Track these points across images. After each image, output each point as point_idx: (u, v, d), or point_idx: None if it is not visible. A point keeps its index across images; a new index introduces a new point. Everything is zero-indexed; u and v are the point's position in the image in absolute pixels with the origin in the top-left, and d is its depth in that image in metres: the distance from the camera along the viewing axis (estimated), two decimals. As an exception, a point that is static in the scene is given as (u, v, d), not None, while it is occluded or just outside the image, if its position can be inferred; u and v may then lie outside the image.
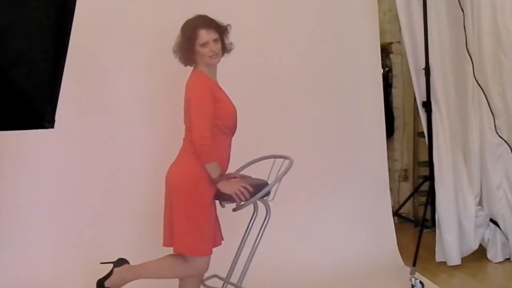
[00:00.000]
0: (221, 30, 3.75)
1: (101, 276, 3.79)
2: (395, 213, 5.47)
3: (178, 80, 3.83)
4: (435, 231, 5.18)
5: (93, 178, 4.72)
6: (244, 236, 4.00)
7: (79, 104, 4.55)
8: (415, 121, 6.51)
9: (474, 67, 5.01)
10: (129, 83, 4.73)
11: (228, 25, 3.78)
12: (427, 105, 4.99)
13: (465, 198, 5.10)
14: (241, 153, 3.98)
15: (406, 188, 6.62)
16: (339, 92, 5.19)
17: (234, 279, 3.93)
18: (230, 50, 3.85)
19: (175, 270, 3.78)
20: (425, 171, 5.93)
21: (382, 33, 5.69)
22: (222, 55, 3.78)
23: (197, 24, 3.67)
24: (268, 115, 5.01)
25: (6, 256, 4.55)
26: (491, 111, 5.05)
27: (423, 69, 4.96)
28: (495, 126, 5.06)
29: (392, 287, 4.66)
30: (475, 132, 5.11)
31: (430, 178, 5.04)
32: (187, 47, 3.69)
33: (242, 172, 4.05)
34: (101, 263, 3.85)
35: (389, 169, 5.48)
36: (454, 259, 5.01)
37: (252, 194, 3.66)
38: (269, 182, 3.78)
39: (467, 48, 5.00)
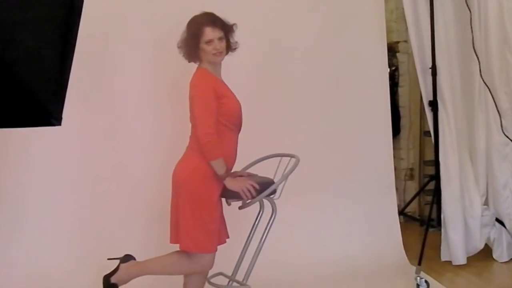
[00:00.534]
0: (227, 29, 3.75)
1: (107, 272, 3.81)
2: (401, 212, 5.47)
3: (183, 78, 3.84)
4: (440, 230, 5.16)
5: (99, 174, 4.74)
6: (250, 234, 4.01)
7: (84, 102, 4.55)
8: (422, 120, 6.50)
9: (481, 67, 5.00)
10: (135, 80, 4.75)
11: (234, 24, 3.79)
12: (433, 104, 4.99)
13: (471, 198, 5.09)
14: (247, 152, 3.99)
15: (412, 187, 6.62)
16: (346, 91, 5.20)
17: (239, 277, 3.94)
18: (235, 49, 3.85)
19: (180, 267, 3.79)
20: (431, 170, 5.93)
21: (388, 32, 5.69)
22: (227, 53, 3.79)
23: (202, 22, 3.68)
24: (275, 114, 5.01)
25: (12, 253, 4.57)
26: (498, 110, 5.05)
27: (430, 68, 4.96)
28: (501, 125, 5.06)
29: (397, 286, 4.67)
30: (482, 132, 5.11)
31: (436, 177, 5.04)
32: (191, 43, 3.70)
33: (248, 170, 4.05)
34: (108, 259, 3.86)
35: (395, 168, 5.48)
36: (460, 258, 5.00)
37: (259, 192, 3.67)
38: (275, 180, 3.78)
39: (473, 48, 5.00)
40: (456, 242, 5.00)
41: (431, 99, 5.00)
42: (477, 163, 5.15)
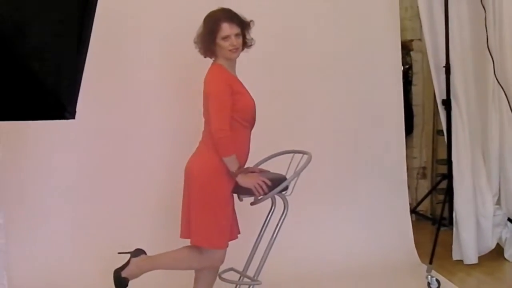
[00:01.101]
0: (244, 25, 3.76)
1: (118, 266, 3.83)
2: (413, 211, 5.47)
3: (197, 73, 3.86)
4: (452, 229, 5.14)
5: (111, 169, 4.77)
6: (261, 230, 4.02)
7: (96, 97, 4.56)
8: (435, 119, 6.48)
9: (495, 66, 4.98)
10: (148, 75, 4.77)
11: (251, 21, 3.79)
12: (446, 103, 4.98)
13: (483, 197, 5.08)
14: (259, 148, 4.01)
15: (424, 185, 6.60)
16: (359, 88, 5.20)
17: (250, 272, 3.95)
18: (251, 45, 3.86)
19: (191, 262, 3.81)
20: (443, 169, 5.91)
21: (402, 30, 5.68)
22: (242, 50, 3.80)
23: (220, 17, 3.68)
24: (287, 111, 5.02)
25: (24, 246, 4.61)
26: (511, 110, 5.03)
27: (444, 67, 4.95)
28: (515, 125, 5.05)
29: (408, 284, 4.68)
30: (495, 131, 5.09)
31: (449, 176, 5.03)
32: (208, 39, 3.71)
33: (260, 167, 4.06)
34: (119, 253, 3.88)
35: (408, 167, 5.46)
36: (471, 257, 4.99)
37: (271, 188, 3.68)
38: (287, 177, 3.79)
39: (488, 46, 4.97)
40: (468, 241, 4.99)
41: (445, 97, 4.98)
42: (490, 163, 5.13)
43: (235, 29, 3.69)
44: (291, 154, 3.99)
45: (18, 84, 1.94)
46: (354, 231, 5.11)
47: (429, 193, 5.78)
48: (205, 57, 3.80)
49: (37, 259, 4.61)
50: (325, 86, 5.12)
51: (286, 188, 3.77)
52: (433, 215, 6.41)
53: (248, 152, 3.83)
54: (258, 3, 4.71)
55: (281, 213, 3.83)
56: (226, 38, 3.67)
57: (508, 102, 5.02)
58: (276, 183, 3.71)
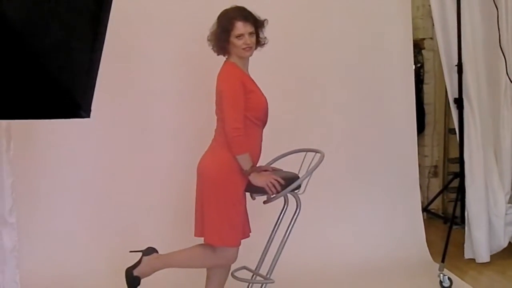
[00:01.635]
0: (258, 24, 3.76)
1: (130, 265, 3.84)
2: (424, 209, 5.47)
3: (210, 71, 3.87)
4: (464, 228, 5.15)
5: (122, 168, 4.80)
6: (274, 229, 4.03)
7: (111, 96, 4.58)
8: (446, 118, 6.47)
9: (507, 65, 4.98)
10: (161, 73, 4.80)
11: (265, 19, 3.80)
12: (459, 101, 4.97)
13: (495, 196, 5.08)
14: (272, 146, 4.02)
15: (436, 184, 6.61)
16: (371, 87, 5.20)
17: (263, 271, 3.96)
18: (264, 44, 3.86)
19: (203, 260, 3.82)
20: (455, 168, 5.91)
21: (414, 28, 5.67)
22: (256, 48, 3.81)
23: (234, 16, 3.69)
24: (300, 110, 5.03)
25: (36, 245, 4.64)
26: (523, 108, 5.03)
27: (456, 65, 4.94)
28: (527, 124, 5.05)
29: (420, 282, 4.68)
30: (507, 130, 5.09)
31: (461, 175, 5.03)
32: (222, 37, 3.71)
33: (272, 165, 4.07)
34: (130, 251, 3.90)
35: (419, 165, 5.46)
36: (483, 256, 4.99)
37: (284, 187, 3.68)
38: (300, 175, 3.80)
39: (500, 45, 4.97)
40: (480, 240, 4.99)
41: (457, 96, 4.98)
42: (502, 161, 5.13)
43: (249, 28, 3.70)
44: (303, 153, 4.00)
45: (34, 83, 1.95)
46: (366, 230, 5.12)
47: (441, 191, 5.79)
48: (218, 55, 3.81)
49: (48, 258, 4.64)
50: (337, 85, 5.13)
51: (298, 187, 3.78)
52: (445, 214, 6.41)
53: (261, 151, 3.84)
54: (270, 2, 4.71)
55: (293, 211, 3.84)
56: (240, 36, 3.67)
57: (520, 101, 5.02)
58: (289, 181, 3.71)
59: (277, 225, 4.01)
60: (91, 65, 2.07)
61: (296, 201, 3.83)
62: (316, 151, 3.90)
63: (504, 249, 5.13)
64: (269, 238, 4.04)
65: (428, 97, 6.58)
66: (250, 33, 3.70)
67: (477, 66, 5.05)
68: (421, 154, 6.29)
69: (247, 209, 3.84)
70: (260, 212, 3.93)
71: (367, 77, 5.19)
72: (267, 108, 3.82)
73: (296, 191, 3.79)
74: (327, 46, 5.10)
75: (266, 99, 3.80)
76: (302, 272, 4.69)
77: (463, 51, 4.92)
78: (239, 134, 3.58)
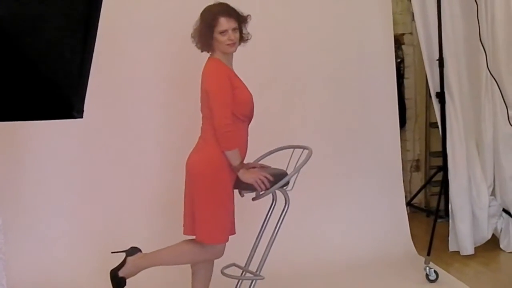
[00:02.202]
0: (241, 20, 3.78)
1: (113, 266, 3.84)
2: (408, 203, 5.51)
3: (195, 69, 3.88)
4: (448, 221, 5.20)
5: (109, 168, 4.79)
6: (262, 225, 4.04)
7: (96, 94, 4.54)
8: (427, 112, 6.53)
9: (488, 58, 5.03)
10: (145, 72, 4.78)
11: (248, 15, 3.82)
12: (440, 96, 5.01)
13: (478, 188, 5.13)
14: (258, 143, 4.03)
15: (418, 178, 6.66)
16: (354, 83, 5.23)
17: (252, 268, 3.98)
18: (247, 40, 3.88)
19: (191, 256, 3.82)
20: (437, 162, 5.98)
21: (394, 24, 5.68)
22: (239, 44, 3.82)
23: (218, 11, 3.70)
24: (283, 106, 5.05)
25: (22, 247, 4.60)
26: (504, 101, 5.08)
27: (437, 60, 4.99)
28: (508, 117, 5.09)
29: (406, 276, 4.71)
30: (489, 123, 5.15)
31: (444, 168, 5.07)
32: (205, 33, 3.72)
33: (260, 162, 4.09)
34: (112, 252, 3.89)
35: (401, 160, 5.51)
36: (468, 248, 5.04)
37: (272, 184, 3.70)
38: (288, 172, 3.82)
39: (480, 39, 5.02)
40: (464, 233, 5.04)
41: (439, 90, 5.02)
42: (484, 154, 5.19)
43: (233, 23, 3.71)
44: (291, 149, 4.03)
45: (26, 85, 1.95)
46: (351, 225, 5.15)
47: (425, 185, 5.85)
48: (202, 51, 3.82)
49: (35, 260, 4.60)
50: (320, 82, 5.15)
51: (287, 183, 3.80)
52: (428, 208, 6.47)
53: (247, 147, 3.85)
54: (256, 2, 4.71)
55: (282, 208, 3.86)
56: (223, 32, 3.68)
57: (501, 94, 5.07)
58: (278, 178, 3.73)
59: (266, 221, 4.03)
60: (83, 66, 2.06)
61: (285, 198, 3.85)
62: (303, 148, 3.92)
63: (488, 241, 5.18)
64: (258, 234, 4.06)
65: (408, 92, 6.63)
66: (234, 29, 3.71)
67: (458, 60, 5.09)
68: (402, 149, 6.33)
69: (236, 206, 3.85)
70: (248, 209, 3.95)
71: (350, 73, 5.21)
72: (253, 103, 3.83)
73: (284, 187, 3.81)
74: (310, 42, 5.11)
75: (251, 95, 3.81)
76: (289, 267, 4.71)
77: (444, 46, 4.96)
78: (228, 130, 3.60)
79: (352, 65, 5.22)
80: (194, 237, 3.74)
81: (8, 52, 1.88)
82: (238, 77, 3.80)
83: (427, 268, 4.59)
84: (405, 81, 6.60)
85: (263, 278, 3.83)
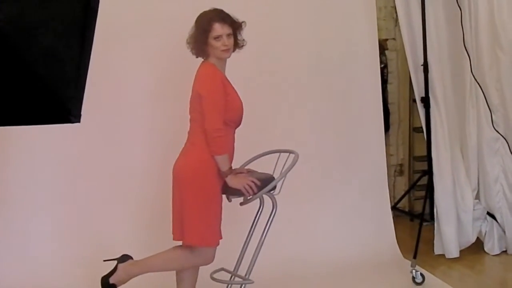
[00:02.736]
0: (235, 26, 3.80)
1: (104, 273, 3.83)
2: (392, 207, 5.53)
3: (185, 72, 3.91)
4: (432, 224, 5.25)
5: (97, 172, 4.77)
6: (250, 230, 4.06)
7: (84, 97, 4.56)
8: (411, 117, 6.58)
9: (472, 63, 5.09)
10: (134, 76, 4.77)
11: (243, 22, 3.84)
12: (425, 100, 5.05)
13: (463, 192, 5.17)
14: (244, 148, 4.03)
15: (402, 182, 6.70)
16: (339, 88, 5.25)
17: (241, 272, 3.99)
18: (242, 46, 3.90)
19: (182, 262, 3.82)
20: (420, 166, 6.03)
21: (377, 29, 5.74)
22: (234, 50, 3.84)
23: (212, 17, 3.72)
24: (269, 111, 5.06)
25: (9, 252, 4.59)
26: (488, 106, 5.13)
27: (422, 65, 5.03)
28: (492, 121, 5.15)
29: (392, 279, 4.75)
30: (473, 127, 5.20)
31: (429, 172, 5.11)
32: (200, 39, 3.74)
33: (246, 167, 4.10)
34: (104, 260, 3.87)
35: (386, 164, 5.55)
36: (453, 251, 5.09)
37: (260, 188, 3.73)
38: (274, 176, 3.84)
39: (464, 45, 5.08)
40: (449, 236, 5.09)
41: (423, 95, 5.07)
42: (469, 158, 5.23)
43: (227, 29, 3.73)
44: (277, 154, 4.05)
45: (24, 90, 1.96)
46: (336, 229, 5.16)
47: (410, 189, 5.89)
48: (197, 57, 3.84)
49: (20, 265, 4.58)
50: (305, 86, 5.17)
51: (274, 188, 3.82)
52: (411, 211, 6.51)
53: (233, 152, 3.87)
54: (243, 6, 4.71)
55: (269, 212, 3.89)
56: (218, 38, 3.70)
57: (485, 99, 5.13)
58: (265, 182, 3.76)
59: (254, 226, 4.04)
60: (80, 71, 2.09)
61: (272, 202, 3.88)
62: (290, 152, 3.95)
63: (473, 244, 5.22)
64: (246, 239, 4.07)
65: (392, 97, 6.67)
66: (228, 35, 3.74)
67: (443, 65, 5.14)
68: (386, 153, 6.34)
69: (223, 210, 3.84)
70: (235, 214, 3.96)
71: (336, 78, 5.23)
72: (242, 110, 3.85)
73: (271, 192, 3.83)
74: (295, 48, 5.12)
75: (241, 102, 3.84)
76: (274, 271, 4.67)
77: (428, 51, 5.01)
78: (220, 134, 3.62)
79: (337, 69, 5.24)
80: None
81: (6, 57, 1.90)
82: (230, 83, 3.82)
83: (414, 271, 4.63)
84: (389, 86, 6.64)
85: (253, 282, 3.84)
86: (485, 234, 5.26)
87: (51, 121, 2.13)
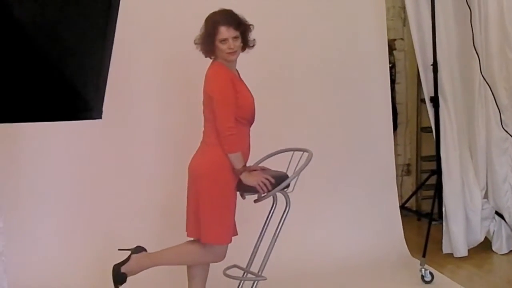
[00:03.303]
0: (242, 28, 3.80)
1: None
2: (400, 207, 5.56)
3: (197, 71, 3.93)
4: (440, 224, 5.28)
5: (110, 168, 4.79)
6: (263, 227, 4.09)
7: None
8: (418, 117, 6.59)
9: (481, 64, 5.10)
10: (146, 73, 4.80)
11: (251, 24, 3.85)
12: (434, 100, 5.08)
13: (471, 191, 5.20)
14: (258, 146, 4.07)
15: (409, 182, 6.71)
16: (349, 87, 5.27)
17: (253, 268, 4.03)
18: (253, 46, 3.92)
19: (194, 257, 3.88)
20: (428, 166, 6.05)
21: (386, 29, 5.77)
22: (243, 50, 3.86)
23: (218, 20, 3.73)
24: (281, 110, 5.08)
25: (22, 249, 4.60)
26: (497, 106, 5.15)
27: (431, 65, 5.05)
28: (501, 121, 5.17)
29: (402, 278, 4.78)
30: (482, 127, 5.22)
31: (438, 172, 5.14)
32: (207, 41, 3.77)
33: (260, 165, 4.13)
34: (119, 249, 3.91)
35: (393, 163, 5.58)
36: (461, 250, 5.11)
37: (274, 186, 3.76)
38: (288, 174, 3.87)
39: (474, 45, 5.09)
40: (458, 235, 5.11)
41: (433, 95, 5.09)
42: (477, 158, 5.26)
43: (233, 33, 3.74)
44: (290, 152, 4.08)
45: (47, 86, 1.99)
46: (346, 227, 5.19)
47: (418, 188, 5.92)
48: (206, 57, 3.86)
49: (35, 261, 4.61)
50: (315, 86, 5.19)
51: (288, 185, 3.85)
52: (419, 211, 6.52)
53: (249, 150, 3.91)
54: (253, 5, 4.74)
55: (283, 210, 3.92)
56: (224, 41, 3.72)
57: (494, 98, 5.15)
58: (279, 180, 3.79)
59: (267, 223, 4.08)
60: (102, 67, 2.11)
61: (286, 200, 3.92)
62: (304, 150, 3.98)
63: (481, 243, 5.25)
64: (259, 236, 4.10)
65: (400, 97, 6.68)
66: (234, 38, 3.75)
67: (452, 65, 5.17)
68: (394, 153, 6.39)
69: (237, 207, 3.89)
70: (248, 211, 3.99)
71: (344, 77, 5.25)
72: (254, 107, 3.88)
73: (285, 189, 3.86)
74: (305, 48, 5.15)
75: (253, 98, 3.87)
76: (285, 269, 4.68)
77: (438, 51, 5.02)
78: (232, 133, 3.65)
79: (347, 69, 5.27)
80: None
81: (30, 56, 1.92)
82: (241, 80, 3.86)
83: (423, 269, 4.65)
84: (396, 86, 6.66)
85: (265, 279, 3.88)
86: (493, 234, 5.29)
87: (74, 117, 2.15)
